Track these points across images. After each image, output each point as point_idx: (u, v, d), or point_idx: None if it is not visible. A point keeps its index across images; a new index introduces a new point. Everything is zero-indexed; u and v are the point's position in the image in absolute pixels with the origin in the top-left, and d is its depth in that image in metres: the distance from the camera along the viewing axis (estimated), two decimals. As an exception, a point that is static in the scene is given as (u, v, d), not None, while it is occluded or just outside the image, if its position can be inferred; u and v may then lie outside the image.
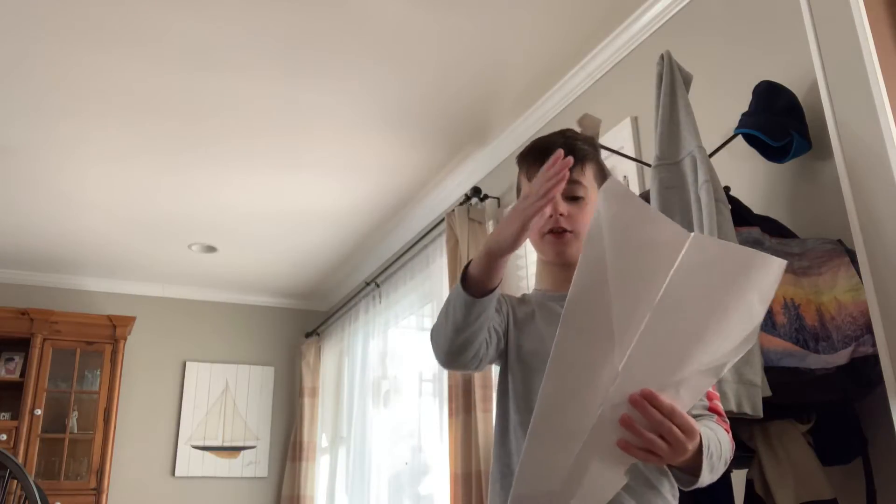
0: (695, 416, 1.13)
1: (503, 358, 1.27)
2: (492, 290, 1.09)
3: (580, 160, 1.29)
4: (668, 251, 0.87)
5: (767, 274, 0.91)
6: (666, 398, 0.92)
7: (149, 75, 2.89)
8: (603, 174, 1.35)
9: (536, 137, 1.36)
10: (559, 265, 1.31)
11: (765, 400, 1.38)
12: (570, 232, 1.27)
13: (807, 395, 1.47)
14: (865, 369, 1.43)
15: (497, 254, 1.07)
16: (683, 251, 0.86)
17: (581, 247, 1.27)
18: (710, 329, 0.89)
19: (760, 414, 1.37)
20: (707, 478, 1.04)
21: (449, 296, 1.14)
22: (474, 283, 1.09)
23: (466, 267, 1.10)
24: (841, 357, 1.47)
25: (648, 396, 0.91)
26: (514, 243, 1.05)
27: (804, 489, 1.45)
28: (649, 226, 0.89)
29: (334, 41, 2.70)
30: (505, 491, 1.17)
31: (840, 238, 1.63)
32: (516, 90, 3.02)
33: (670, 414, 0.92)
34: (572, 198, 1.28)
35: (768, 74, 1.91)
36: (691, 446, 0.96)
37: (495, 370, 1.38)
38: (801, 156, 1.82)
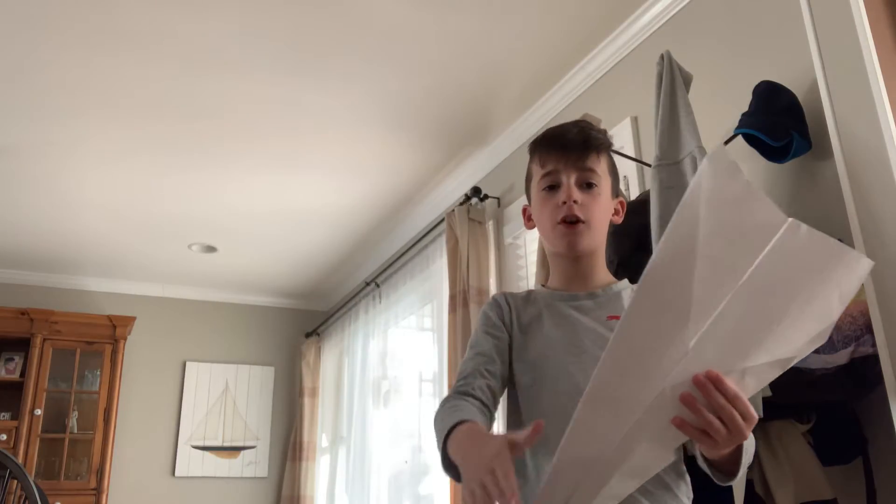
0: None
1: (509, 376, 1.24)
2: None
3: (596, 149, 1.26)
4: (763, 232, 0.84)
5: (853, 272, 0.88)
6: (731, 383, 0.88)
7: (149, 76, 2.89)
8: (615, 168, 1.33)
9: (550, 127, 1.34)
10: (570, 258, 1.28)
11: (765, 400, 1.38)
12: (583, 222, 1.23)
13: (807, 395, 1.47)
14: (865, 369, 1.43)
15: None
16: (778, 235, 0.84)
17: (593, 238, 1.25)
18: (787, 318, 0.86)
19: (760, 414, 1.36)
20: (740, 475, 1.03)
21: (437, 433, 1.08)
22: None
23: (447, 437, 1.03)
24: (841, 357, 1.47)
25: (714, 379, 0.87)
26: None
27: (804, 489, 1.45)
28: (750, 204, 0.85)
29: (334, 42, 2.70)
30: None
31: (840, 238, 1.63)
32: (516, 90, 3.02)
33: (734, 399, 0.88)
34: (587, 185, 1.25)
35: (768, 74, 1.91)
36: (748, 435, 0.92)
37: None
38: (801, 156, 1.82)
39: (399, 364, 4.23)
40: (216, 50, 2.74)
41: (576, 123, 1.31)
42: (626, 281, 1.33)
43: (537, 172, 1.29)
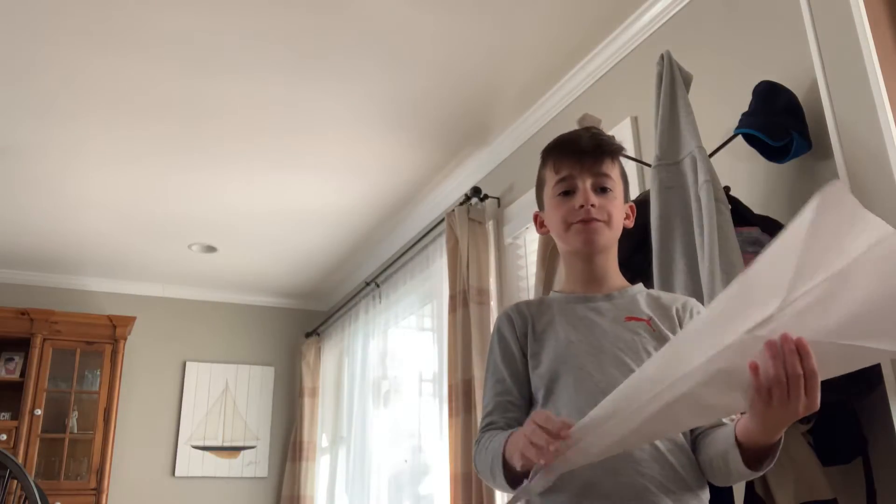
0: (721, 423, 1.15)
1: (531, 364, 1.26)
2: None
3: (610, 154, 1.29)
4: (864, 239, 0.85)
5: None
6: (814, 359, 0.88)
7: (150, 77, 2.89)
8: (625, 174, 1.34)
9: (560, 134, 1.36)
10: (584, 258, 1.28)
11: (765, 400, 1.38)
12: (601, 221, 1.25)
13: (807, 395, 1.47)
14: (865, 369, 1.43)
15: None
16: (878, 240, 0.85)
17: (610, 237, 1.27)
18: (875, 317, 0.86)
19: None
20: (764, 470, 1.07)
21: (492, 462, 1.15)
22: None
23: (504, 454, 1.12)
24: (841, 357, 1.47)
25: (801, 346, 0.87)
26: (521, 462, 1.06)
27: (804, 489, 1.45)
28: (856, 236, 0.86)
29: (335, 42, 2.70)
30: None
31: (840, 238, 1.63)
32: (516, 90, 3.02)
33: (810, 374, 0.89)
34: (601, 189, 1.27)
35: (768, 74, 1.91)
36: (802, 414, 0.94)
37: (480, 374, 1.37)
38: (801, 156, 1.82)
39: (399, 364, 4.23)
40: (216, 50, 2.74)
41: (587, 129, 1.34)
42: (640, 285, 1.33)
43: (551, 178, 1.31)
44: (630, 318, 1.24)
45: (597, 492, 1.09)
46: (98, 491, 4.61)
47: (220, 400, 5.46)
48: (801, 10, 1.50)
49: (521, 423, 1.18)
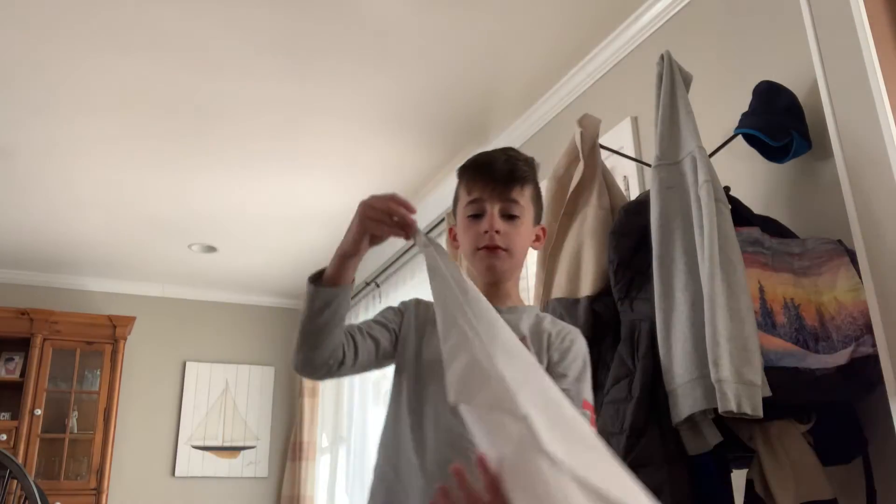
0: None
1: (397, 359, 1.29)
2: (343, 284, 1.16)
3: (520, 181, 1.31)
4: None
5: None
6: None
7: (149, 76, 2.89)
8: (539, 197, 1.38)
9: (480, 152, 1.38)
10: (488, 283, 1.32)
11: (765, 400, 1.38)
12: (505, 250, 1.29)
13: (807, 395, 1.47)
14: (865, 369, 1.43)
15: (344, 255, 1.15)
16: None
17: (512, 265, 1.32)
18: None
19: (760, 414, 1.36)
20: None
21: (305, 295, 1.19)
22: (325, 282, 1.16)
23: (321, 275, 1.17)
24: (841, 357, 1.47)
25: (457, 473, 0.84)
26: (358, 249, 1.14)
27: (804, 489, 1.45)
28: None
29: (335, 42, 2.70)
30: (389, 491, 1.18)
31: (840, 238, 1.63)
32: (516, 90, 3.02)
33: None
34: (508, 216, 1.30)
35: (768, 74, 1.91)
36: None
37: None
38: (801, 156, 1.82)
39: (399, 364, 4.22)
40: (217, 51, 2.74)
41: (504, 151, 1.36)
42: (535, 307, 1.40)
43: (464, 198, 1.35)
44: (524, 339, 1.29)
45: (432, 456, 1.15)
46: (98, 491, 4.61)
47: (220, 400, 5.46)
48: (801, 10, 1.50)
49: (358, 339, 1.25)
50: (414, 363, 1.27)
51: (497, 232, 1.28)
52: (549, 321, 1.34)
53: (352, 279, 1.19)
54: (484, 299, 1.01)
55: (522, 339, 1.28)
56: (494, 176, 1.30)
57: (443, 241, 3.52)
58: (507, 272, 1.32)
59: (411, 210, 1.10)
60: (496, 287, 1.33)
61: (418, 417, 1.19)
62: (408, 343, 1.29)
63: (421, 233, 1.10)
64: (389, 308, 1.36)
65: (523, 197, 1.32)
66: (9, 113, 3.15)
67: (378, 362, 1.28)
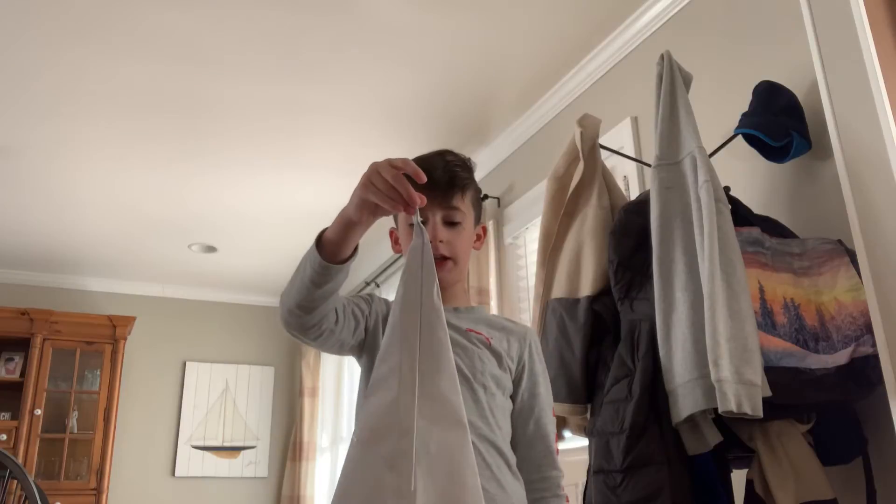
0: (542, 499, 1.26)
1: (366, 354, 1.29)
2: (343, 261, 1.12)
3: (460, 188, 1.33)
4: None
5: None
6: None
7: (149, 76, 2.89)
8: (479, 198, 1.40)
9: (417, 156, 1.37)
10: (448, 283, 1.33)
11: (765, 400, 1.38)
12: (450, 258, 1.31)
13: (807, 395, 1.47)
14: (865, 369, 1.44)
15: (347, 221, 1.09)
16: None
17: (459, 272, 1.35)
18: None
19: (760, 414, 1.37)
20: None
21: (302, 259, 1.15)
22: (328, 247, 1.11)
23: (323, 231, 1.13)
24: (841, 357, 1.47)
25: None
26: (360, 217, 1.07)
27: (804, 489, 1.45)
28: None
29: (334, 41, 2.70)
30: None
31: (840, 238, 1.63)
32: (516, 90, 3.02)
33: None
34: (450, 223, 1.31)
35: (768, 74, 1.92)
36: None
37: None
38: (801, 156, 1.82)
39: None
40: (216, 51, 2.74)
41: (441, 157, 1.36)
42: (484, 308, 1.44)
43: None
44: (470, 330, 1.32)
45: None
46: (98, 491, 4.61)
47: (220, 400, 5.46)
48: (801, 10, 1.50)
49: (357, 318, 1.25)
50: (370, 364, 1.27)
51: (441, 241, 1.29)
52: (504, 321, 1.40)
53: (355, 250, 1.15)
54: (443, 330, 0.98)
55: (489, 337, 1.32)
56: (435, 185, 1.27)
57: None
58: (453, 279, 1.34)
59: (420, 179, 1.04)
60: (444, 292, 1.34)
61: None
62: (376, 336, 1.28)
63: (419, 221, 1.06)
64: (360, 297, 1.35)
65: (464, 203, 1.33)
66: (9, 113, 3.15)
67: (356, 345, 1.28)
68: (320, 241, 1.12)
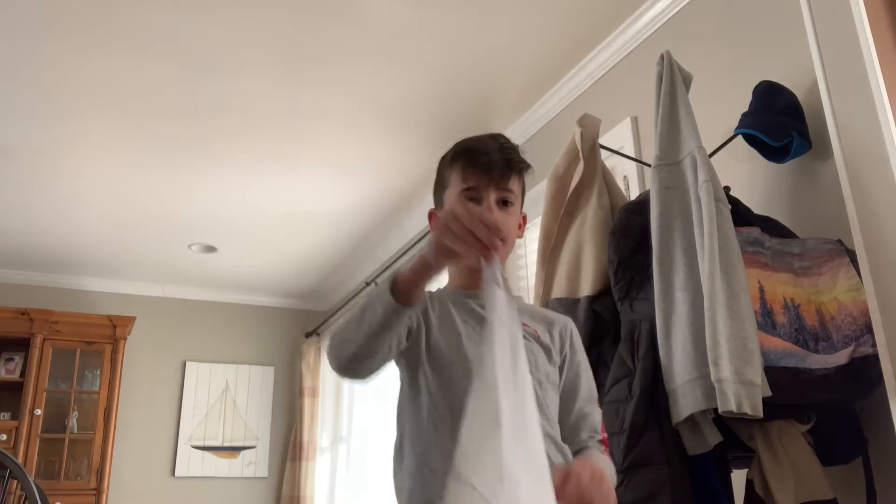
0: (586, 445, 1.24)
1: (412, 357, 1.25)
2: (414, 303, 1.10)
3: (517, 171, 1.32)
4: None
5: None
6: None
7: (149, 76, 2.89)
8: (524, 187, 1.38)
9: (469, 138, 1.37)
10: (477, 269, 1.30)
11: (765, 400, 1.38)
12: (501, 240, 1.26)
13: (807, 395, 1.47)
14: (865, 369, 1.43)
15: (425, 266, 1.07)
16: None
17: (504, 254, 1.30)
18: None
19: (760, 414, 1.37)
20: None
21: (367, 300, 1.12)
22: (402, 290, 1.08)
23: (394, 275, 1.10)
24: (841, 357, 1.47)
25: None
26: (437, 261, 1.07)
27: (804, 489, 1.45)
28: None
29: (334, 42, 2.70)
30: (424, 487, 1.16)
31: (840, 238, 1.63)
32: (516, 90, 3.02)
33: None
34: (503, 202, 1.30)
35: (768, 74, 1.91)
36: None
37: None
38: (801, 156, 1.82)
39: (399, 364, 4.22)
40: (216, 51, 2.74)
41: (496, 139, 1.35)
42: (521, 296, 1.42)
43: (456, 184, 1.32)
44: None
45: None
46: (98, 491, 4.61)
47: (220, 400, 5.45)
48: (801, 10, 1.50)
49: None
50: (427, 356, 1.24)
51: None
52: (540, 311, 1.38)
53: (424, 295, 1.14)
54: (526, 373, 0.98)
55: (536, 331, 1.29)
56: (492, 165, 1.29)
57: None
58: (502, 261, 1.30)
59: (498, 234, 1.03)
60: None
61: (451, 411, 1.16)
62: (419, 339, 1.25)
63: (498, 266, 1.04)
64: None
65: (517, 186, 1.33)
66: (10, 113, 3.15)
67: (397, 358, 1.26)
68: (392, 284, 1.10)
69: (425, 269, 1.08)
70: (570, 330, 1.37)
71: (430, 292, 1.33)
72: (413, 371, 1.26)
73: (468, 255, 1.04)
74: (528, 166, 1.35)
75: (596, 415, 1.32)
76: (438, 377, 1.22)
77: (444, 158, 1.39)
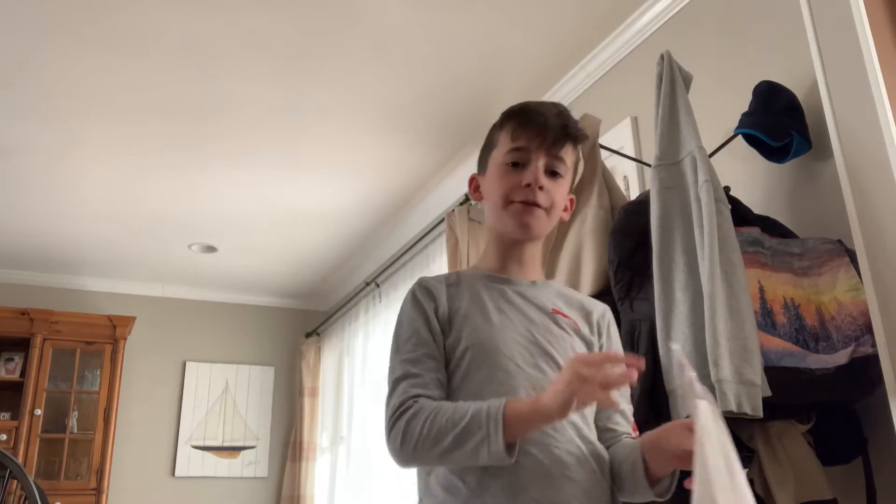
0: (619, 440, 1.18)
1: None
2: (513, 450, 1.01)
3: (573, 139, 1.22)
4: None
5: None
6: None
7: (149, 77, 2.89)
8: (577, 165, 1.31)
9: (529, 100, 1.28)
10: (514, 242, 1.22)
11: (765, 400, 1.38)
12: (544, 209, 1.19)
13: (807, 395, 1.47)
14: (865, 369, 1.43)
15: (547, 419, 0.99)
16: None
17: (547, 226, 1.21)
18: None
19: (760, 414, 1.36)
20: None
21: (466, 430, 1.01)
22: (512, 435, 1.00)
23: (505, 414, 1.00)
24: (841, 357, 1.47)
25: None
26: (564, 416, 0.98)
27: (804, 489, 1.45)
28: None
29: (334, 42, 2.70)
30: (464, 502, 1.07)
31: (840, 238, 1.63)
32: (516, 90, 3.02)
33: None
34: (552, 173, 1.20)
35: (768, 74, 1.91)
36: None
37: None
38: (801, 156, 1.82)
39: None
40: (216, 51, 2.74)
41: (555, 105, 1.25)
42: (553, 281, 1.33)
43: (505, 144, 1.22)
44: (557, 312, 1.20)
45: (527, 495, 1.04)
46: (98, 491, 4.61)
47: (220, 400, 5.45)
48: (801, 10, 1.50)
49: (443, 389, 1.12)
50: (461, 353, 1.15)
51: (541, 188, 1.17)
52: (578, 297, 1.29)
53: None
54: (746, 487, 0.91)
55: (575, 320, 1.21)
56: (547, 127, 1.18)
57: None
58: (540, 234, 1.22)
59: (634, 365, 0.95)
60: (520, 249, 1.23)
61: None
62: (447, 334, 1.18)
63: (695, 384, 0.95)
64: (415, 316, 1.19)
65: (569, 157, 1.22)
66: (9, 113, 3.15)
67: None
68: (504, 427, 0.99)
69: (545, 420, 1.00)
70: (607, 319, 1.28)
71: (454, 277, 1.23)
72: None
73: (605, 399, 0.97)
74: (585, 136, 1.25)
75: (628, 410, 1.25)
76: (470, 373, 1.13)
77: (496, 123, 1.28)
